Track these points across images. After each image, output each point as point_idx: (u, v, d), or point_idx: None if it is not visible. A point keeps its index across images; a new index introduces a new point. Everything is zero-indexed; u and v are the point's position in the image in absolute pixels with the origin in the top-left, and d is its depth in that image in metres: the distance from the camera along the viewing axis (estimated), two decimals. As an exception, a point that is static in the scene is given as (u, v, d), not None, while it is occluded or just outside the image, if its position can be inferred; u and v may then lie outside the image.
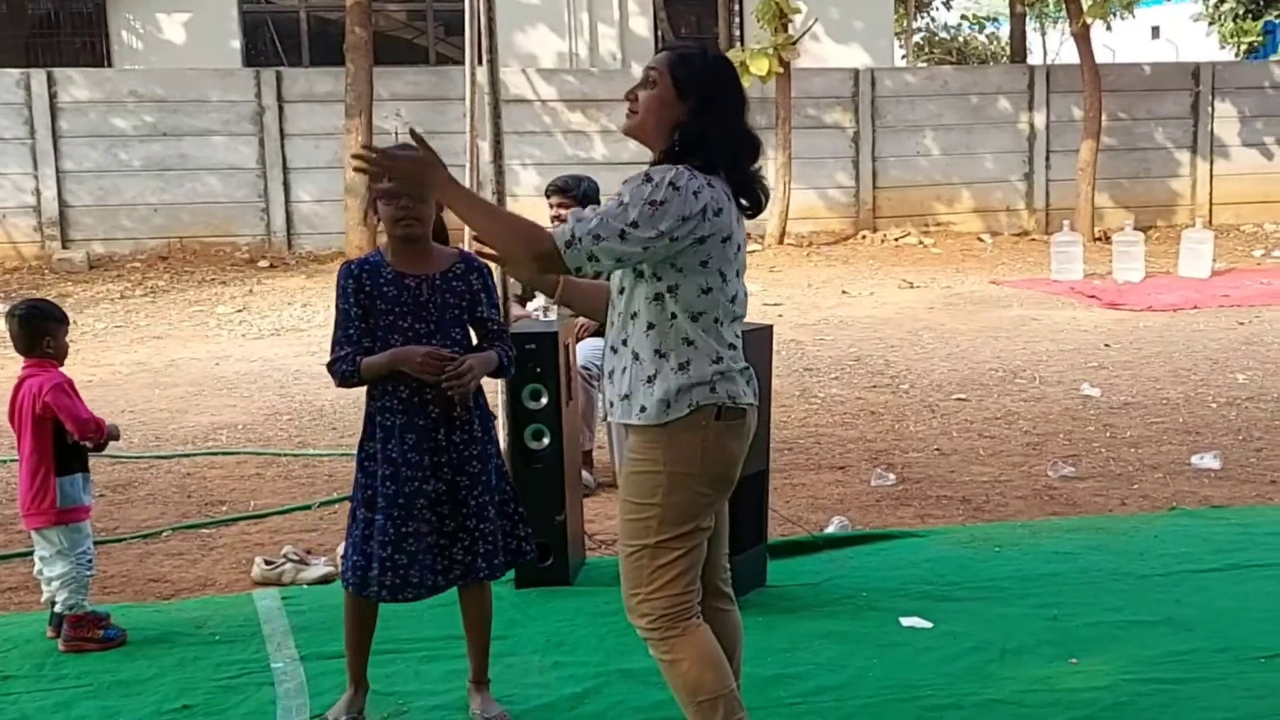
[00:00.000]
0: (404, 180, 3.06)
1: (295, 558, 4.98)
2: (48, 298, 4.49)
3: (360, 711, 3.70)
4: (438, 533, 3.56)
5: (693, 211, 2.88)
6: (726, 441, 3.02)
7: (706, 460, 2.99)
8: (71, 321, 4.43)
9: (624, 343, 3.05)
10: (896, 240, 17.38)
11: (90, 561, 4.36)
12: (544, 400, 4.85)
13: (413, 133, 3.04)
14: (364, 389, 3.61)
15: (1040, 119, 18.30)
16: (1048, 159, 18.32)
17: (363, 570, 3.54)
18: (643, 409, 2.98)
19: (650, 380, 2.98)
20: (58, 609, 4.30)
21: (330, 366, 3.57)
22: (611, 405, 3.09)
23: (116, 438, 4.42)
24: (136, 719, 3.76)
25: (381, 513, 3.52)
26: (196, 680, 4.02)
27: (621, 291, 3.06)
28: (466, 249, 3.64)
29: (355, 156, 3.05)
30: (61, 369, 4.31)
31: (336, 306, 3.60)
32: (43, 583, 4.38)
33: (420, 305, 3.55)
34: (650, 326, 2.99)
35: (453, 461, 3.57)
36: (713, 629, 3.10)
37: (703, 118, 2.97)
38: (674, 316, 2.97)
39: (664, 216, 2.86)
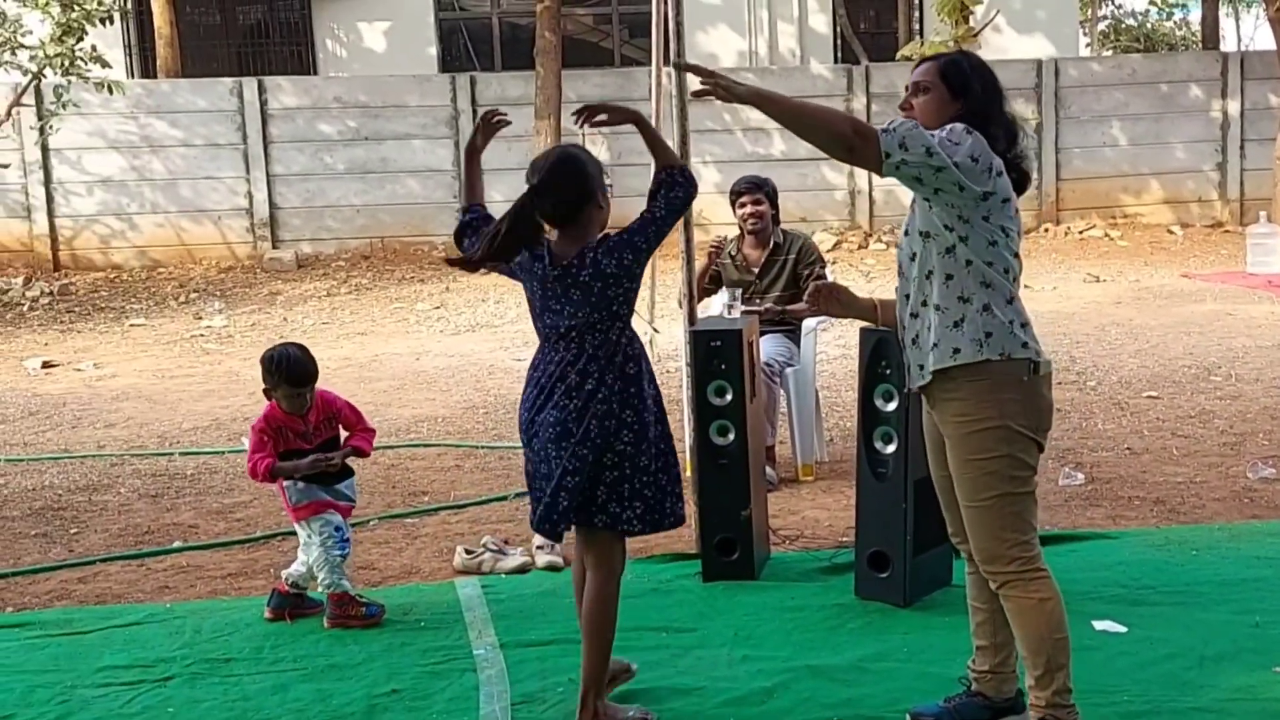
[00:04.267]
0: (718, 88, 3.34)
1: (494, 547, 5.15)
2: (299, 353, 4.62)
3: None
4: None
5: (982, 153, 3.18)
6: (1043, 392, 3.33)
7: (1029, 411, 3.29)
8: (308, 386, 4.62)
9: (924, 303, 3.33)
10: (1081, 233, 16.96)
11: (340, 543, 4.54)
12: (728, 396, 4.94)
13: (680, 65, 3.49)
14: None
15: (1234, 107, 17.66)
16: (1242, 148, 17.67)
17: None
18: (956, 350, 3.26)
19: (958, 325, 3.26)
20: (319, 588, 4.58)
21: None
22: (921, 368, 3.34)
23: (305, 473, 4.55)
24: (348, 701, 3.91)
25: None
26: (404, 665, 4.17)
27: (913, 258, 3.35)
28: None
29: (689, 68, 3.47)
30: (282, 413, 4.57)
31: None
32: (297, 563, 4.67)
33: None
34: (949, 278, 3.27)
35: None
36: (977, 589, 3.55)
37: (980, 110, 3.28)
38: (969, 263, 3.25)
39: (959, 149, 3.16)
